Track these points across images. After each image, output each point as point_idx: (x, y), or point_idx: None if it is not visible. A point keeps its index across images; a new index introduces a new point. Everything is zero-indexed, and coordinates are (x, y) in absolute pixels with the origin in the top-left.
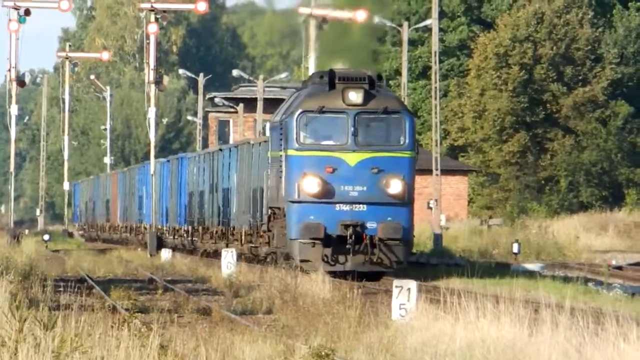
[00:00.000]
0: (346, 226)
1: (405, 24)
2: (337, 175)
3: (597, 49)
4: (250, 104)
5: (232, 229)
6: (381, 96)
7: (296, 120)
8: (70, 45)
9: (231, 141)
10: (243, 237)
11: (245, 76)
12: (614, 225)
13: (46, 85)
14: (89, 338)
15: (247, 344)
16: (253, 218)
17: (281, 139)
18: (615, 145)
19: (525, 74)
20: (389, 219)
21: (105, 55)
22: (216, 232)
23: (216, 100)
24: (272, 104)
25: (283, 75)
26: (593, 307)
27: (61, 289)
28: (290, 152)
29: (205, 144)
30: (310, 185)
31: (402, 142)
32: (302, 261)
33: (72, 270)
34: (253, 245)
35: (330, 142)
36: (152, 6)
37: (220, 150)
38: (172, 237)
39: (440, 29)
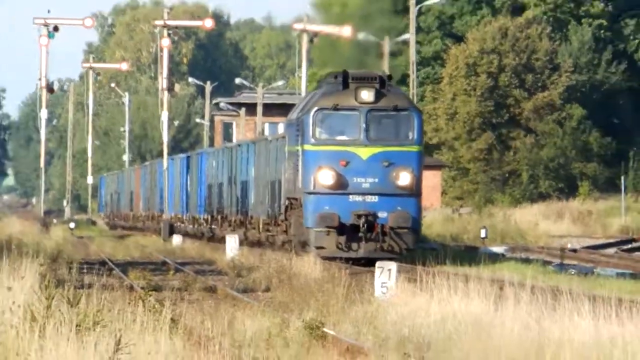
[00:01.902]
0: (359, 215)
1: (387, 38)
2: (350, 168)
3: (555, 59)
4: (251, 108)
5: (250, 218)
6: (391, 95)
7: (312, 117)
8: (93, 57)
9: (234, 141)
10: (261, 226)
11: (247, 84)
12: (569, 213)
13: (72, 92)
14: (109, 313)
15: (248, 318)
16: (271, 208)
17: (298, 135)
18: (570, 143)
19: (492, 81)
20: (398, 208)
21: (124, 66)
22: (235, 220)
23: (221, 105)
24: (270, 109)
25: (280, 83)
26: (551, 285)
27: (85, 270)
28: (307, 146)
29: (211, 143)
30: (326, 177)
31: (410, 138)
32: (317, 248)
33: (94, 254)
34: (270, 233)
35: (344, 138)
36: (165, 23)
37: (239, 145)
38: (191, 225)
39: (417, 42)
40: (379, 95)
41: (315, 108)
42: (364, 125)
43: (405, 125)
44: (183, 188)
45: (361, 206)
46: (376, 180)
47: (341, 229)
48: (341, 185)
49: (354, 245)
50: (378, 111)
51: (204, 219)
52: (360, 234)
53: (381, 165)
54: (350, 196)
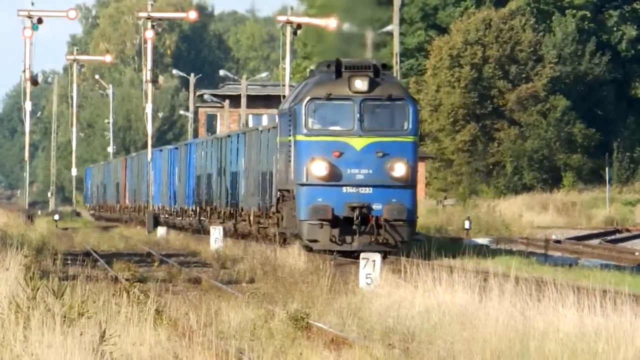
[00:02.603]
0: (353, 208)
1: (370, 29)
2: (344, 159)
3: (538, 50)
4: (235, 100)
5: (240, 210)
6: (386, 84)
7: (305, 107)
8: (77, 49)
9: (218, 132)
10: (252, 218)
11: (231, 76)
12: (553, 204)
13: (56, 84)
14: (94, 304)
15: (233, 309)
16: (262, 200)
17: (290, 125)
18: (554, 135)
19: (475, 72)
20: (393, 200)
21: (108, 58)
22: (224, 212)
23: (205, 97)
24: (254, 100)
25: (263, 74)
26: (535, 276)
27: (69, 262)
28: (299, 137)
29: (195, 135)
30: (319, 168)
31: (405, 128)
32: (310, 241)
33: (79, 245)
34: (262, 226)
35: (337, 128)
36: (149, 15)
37: (229, 136)
38: (180, 217)
39: (401, 34)
40: (373, 84)
41: (308, 98)
42: (357, 115)
43: (400, 115)
44: (171, 179)
45: (355, 198)
46: (370, 171)
47: (335, 221)
48: (334, 177)
49: (348, 238)
50: (372, 101)
51: (192, 210)
52: (354, 227)
53: (375, 156)
54: (344, 188)
